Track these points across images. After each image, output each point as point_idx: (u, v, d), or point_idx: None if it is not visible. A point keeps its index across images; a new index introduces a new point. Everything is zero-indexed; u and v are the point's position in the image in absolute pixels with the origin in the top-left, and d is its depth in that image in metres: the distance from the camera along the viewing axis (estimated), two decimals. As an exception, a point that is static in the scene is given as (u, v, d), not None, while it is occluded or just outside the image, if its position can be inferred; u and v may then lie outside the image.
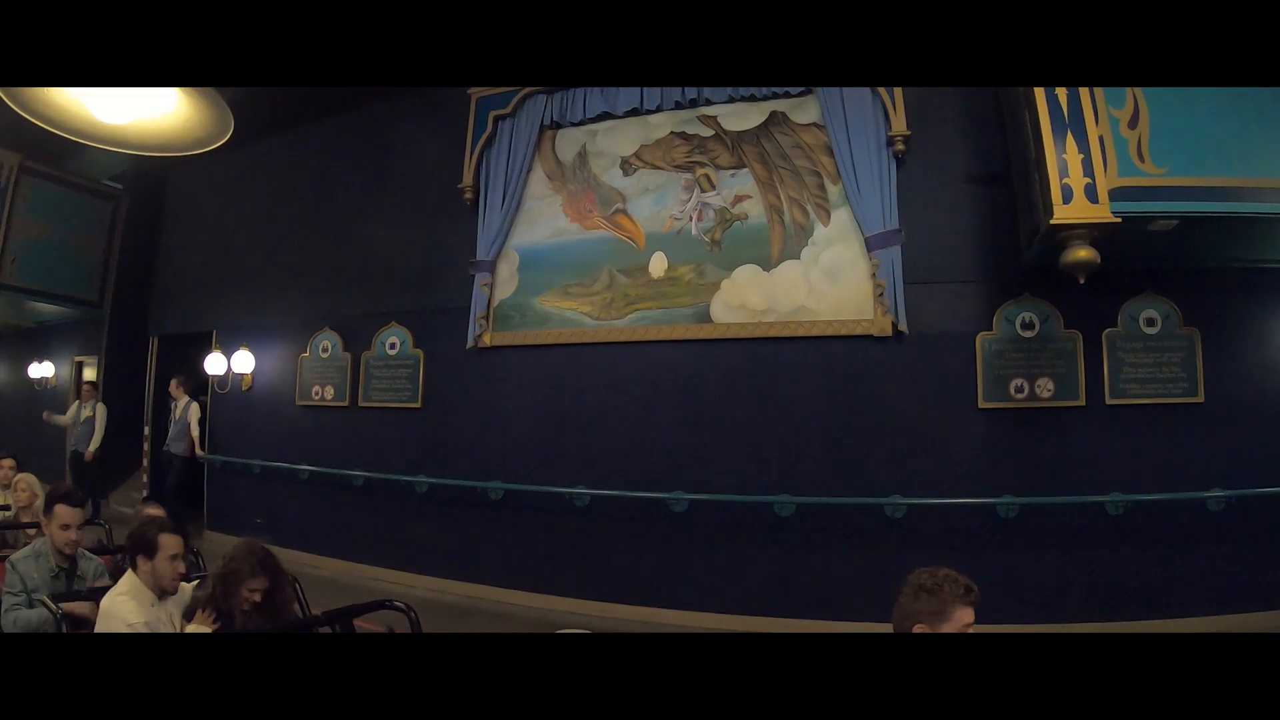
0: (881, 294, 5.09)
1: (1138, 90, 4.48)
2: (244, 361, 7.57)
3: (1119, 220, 4.18)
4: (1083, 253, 4.23)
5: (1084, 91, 4.45)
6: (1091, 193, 4.27)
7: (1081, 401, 4.64)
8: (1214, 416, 4.60)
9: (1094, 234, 4.23)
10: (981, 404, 4.77)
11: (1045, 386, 4.65)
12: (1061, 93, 4.46)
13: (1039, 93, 4.48)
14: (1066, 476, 4.66)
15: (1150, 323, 4.67)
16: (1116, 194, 4.25)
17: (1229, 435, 4.60)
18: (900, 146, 5.18)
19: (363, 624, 2.96)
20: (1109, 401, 4.62)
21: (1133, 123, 4.47)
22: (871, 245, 5.17)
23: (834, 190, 5.42)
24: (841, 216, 5.38)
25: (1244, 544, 4.58)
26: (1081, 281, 4.28)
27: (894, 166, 5.20)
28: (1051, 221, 4.27)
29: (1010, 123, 4.90)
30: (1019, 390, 4.69)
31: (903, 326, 5.00)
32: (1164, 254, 4.58)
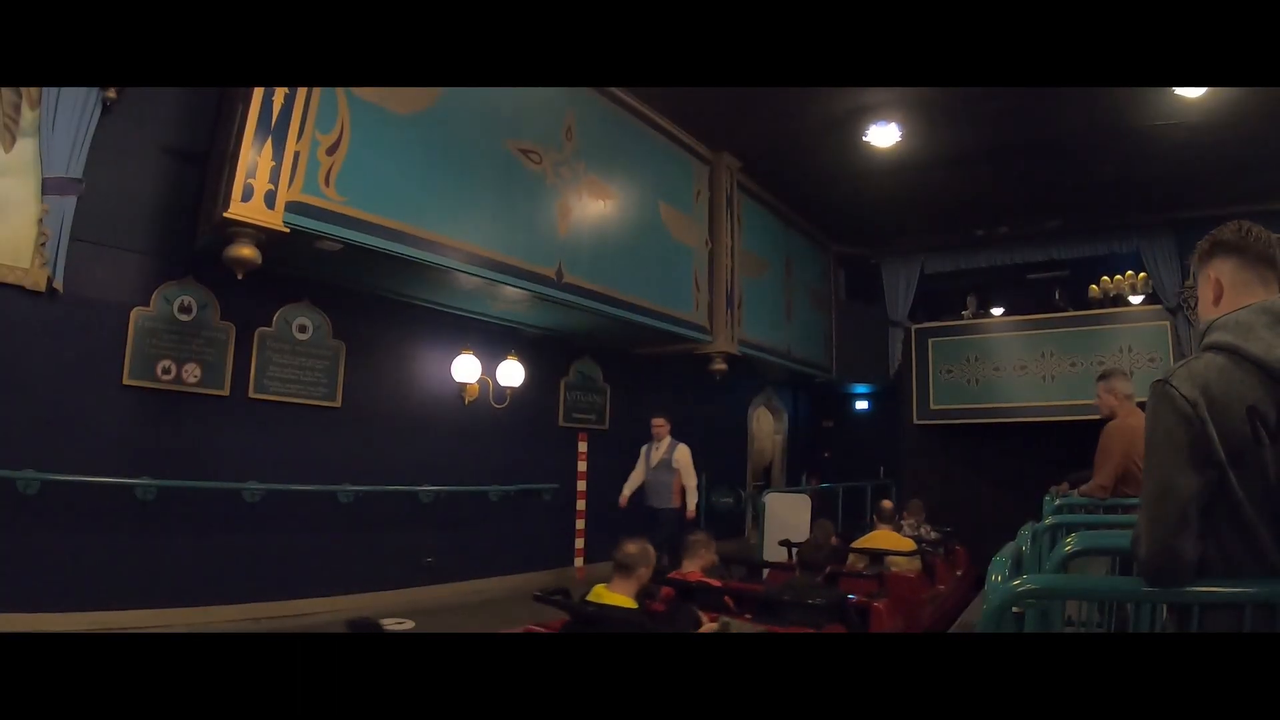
0: (44, 244, 4.44)
1: (349, 124, 4.96)
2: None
3: (288, 230, 4.51)
4: (246, 251, 4.41)
5: (299, 107, 4.70)
6: (270, 199, 4.50)
7: (226, 391, 4.78)
8: (348, 420, 5.32)
9: (262, 236, 4.46)
10: (126, 380, 4.49)
11: (193, 372, 4.63)
12: (279, 100, 4.63)
13: (257, 92, 4.56)
14: (207, 462, 4.75)
15: (302, 329, 5.13)
16: (294, 207, 4.56)
17: (359, 438, 5.38)
18: (112, 94, 4.68)
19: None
20: (252, 395, 4.88)
21: (332, 150, 4.90)
22: (48, 188, 4.48)
23: (31, 116, 4.58)
24: (27, 147, 4.57)
25: (369, 533, 5.41)
26: (240, 277, 4.46)
27: (100, 111, 4.67)
28: (225, 214, 4.35)
29: (226, 109, 4.88)
30: (166, 372, 4.56)
31: (58, 284, 4.44)
32: (326, 271, 5.13)
